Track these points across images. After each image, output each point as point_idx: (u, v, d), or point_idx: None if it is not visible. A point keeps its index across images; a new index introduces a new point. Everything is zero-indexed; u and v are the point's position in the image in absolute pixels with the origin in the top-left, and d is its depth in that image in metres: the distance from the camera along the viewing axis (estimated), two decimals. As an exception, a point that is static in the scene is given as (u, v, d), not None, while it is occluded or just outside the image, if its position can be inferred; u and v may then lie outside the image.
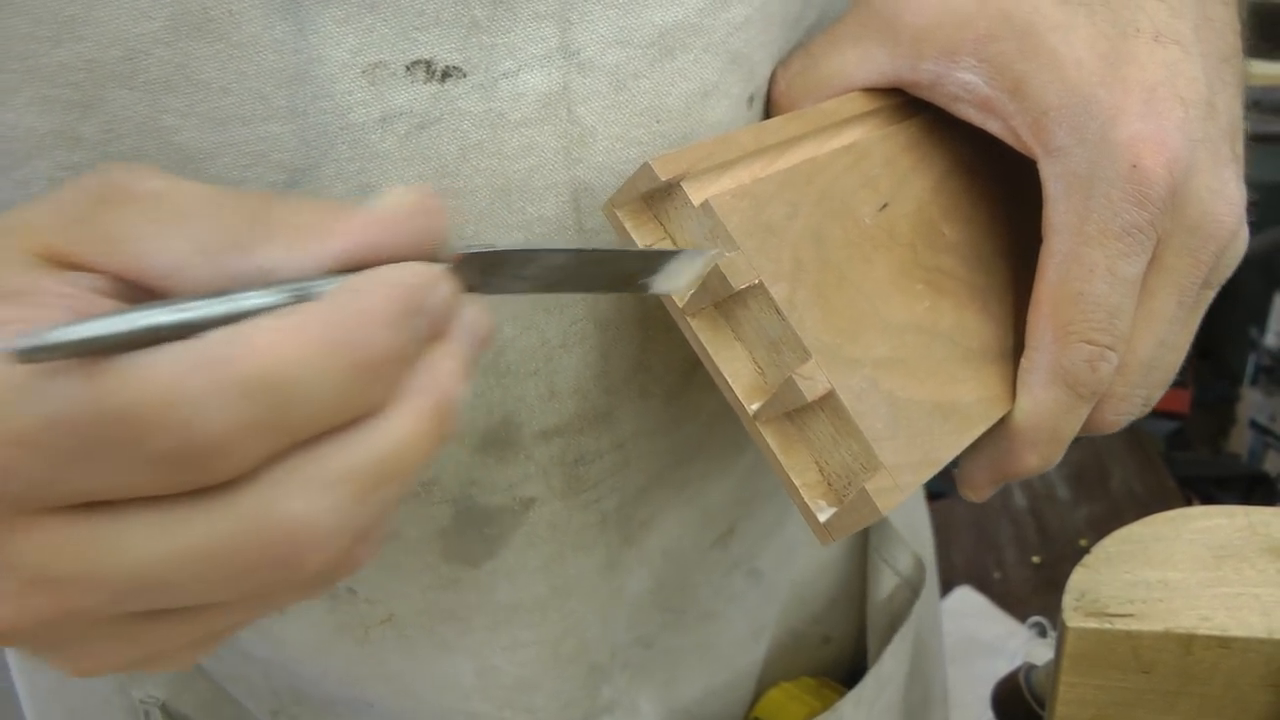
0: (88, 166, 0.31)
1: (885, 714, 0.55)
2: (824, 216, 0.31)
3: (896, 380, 0.30)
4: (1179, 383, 1.93)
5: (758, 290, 0.29)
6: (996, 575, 1.77)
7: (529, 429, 0.38)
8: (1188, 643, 0.43)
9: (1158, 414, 1.96)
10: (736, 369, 0.30)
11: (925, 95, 0.35)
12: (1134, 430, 1.85)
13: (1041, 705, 0.73)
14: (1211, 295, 0.36)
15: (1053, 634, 1.61)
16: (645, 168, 0.30)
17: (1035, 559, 1.77)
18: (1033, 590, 1.73)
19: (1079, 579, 0.46)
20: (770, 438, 0.29)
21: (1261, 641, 0.43)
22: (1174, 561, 0.46)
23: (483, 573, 0.40)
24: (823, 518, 0.29)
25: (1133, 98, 0.31)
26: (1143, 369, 0.34)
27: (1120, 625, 0.44)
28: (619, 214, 0.30)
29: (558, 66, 0.32)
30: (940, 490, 2.01)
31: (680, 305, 0.30)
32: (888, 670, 0.54)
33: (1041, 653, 1.62)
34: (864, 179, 0.33)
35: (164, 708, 0.49)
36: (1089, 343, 0.32)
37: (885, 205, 0.33)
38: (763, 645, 0.53)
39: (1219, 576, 0.45)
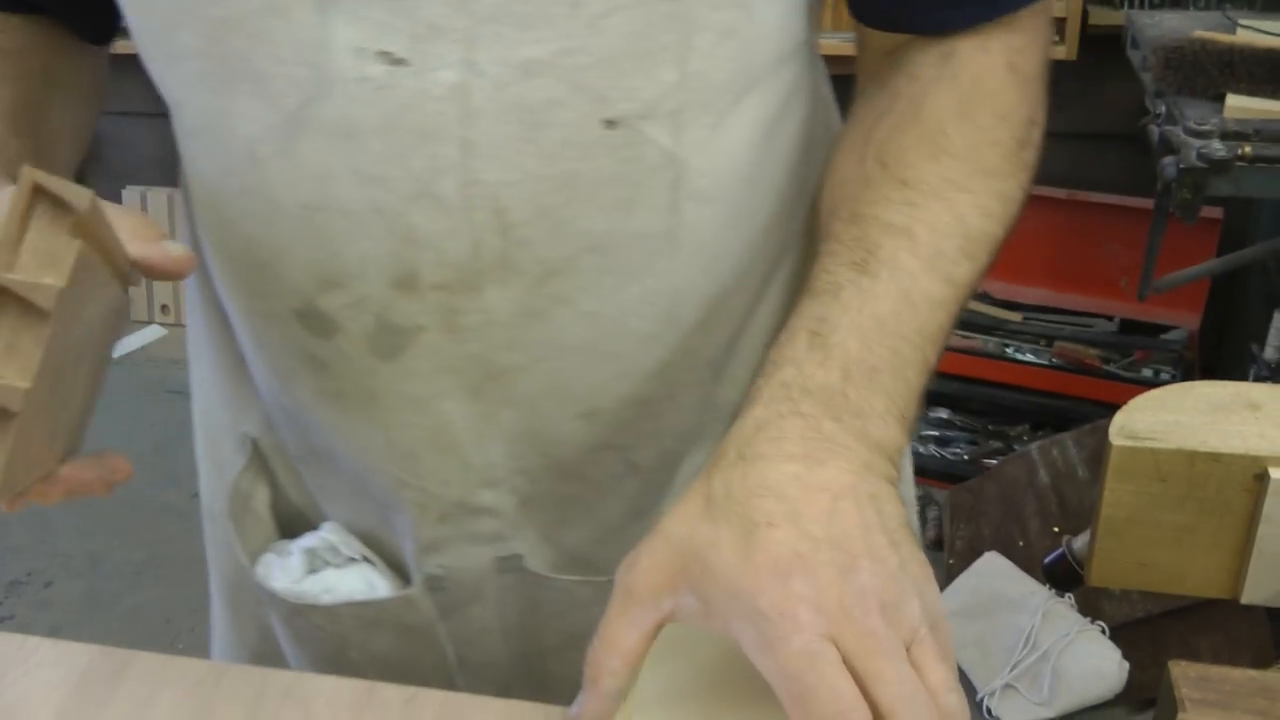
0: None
1: None
2: None
3: None
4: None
5: None
6: (1021, 543, 1.97)
7: (426, 281, 0.59)
8: (1191, 458, 0.64)
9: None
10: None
11: (677, 618, 0.50)
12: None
13: (1080, 565, 0.95)
14: (933, 637, 0.46)
15: (1069, 596, 1.81)
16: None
17: (1056, 529, 1.97)
18: (1053, 559, 1.93)
19: (1121, 419, 0.67)
20: None
21: (1241, 457, 0.64)
22: (1184, 409, 0.67)
23: (390, 368, 0.62)
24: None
25: (764, 575, 0.45)
26: (902, 696, 0.44)
27: (1147, 444, 0.65)
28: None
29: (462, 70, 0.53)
30: (969, 473, 2.22)
31: None
32: None
33: (1060, 610, 1.86)
34: None
35: (255, 442, 0.74)
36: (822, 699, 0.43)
37: None
38: (644, 529, 0.68)
39: (1214, 420, 0.67)
